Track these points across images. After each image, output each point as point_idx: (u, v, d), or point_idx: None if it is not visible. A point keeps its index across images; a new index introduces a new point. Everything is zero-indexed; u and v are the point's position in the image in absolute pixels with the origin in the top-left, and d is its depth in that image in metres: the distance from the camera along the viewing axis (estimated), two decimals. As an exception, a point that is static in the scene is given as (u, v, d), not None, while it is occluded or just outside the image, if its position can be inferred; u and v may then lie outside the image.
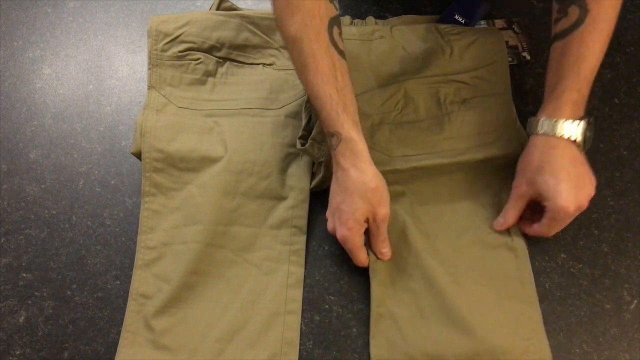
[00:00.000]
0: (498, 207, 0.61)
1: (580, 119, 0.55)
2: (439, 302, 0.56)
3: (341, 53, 0.54)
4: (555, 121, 0.54)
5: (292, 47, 0.53)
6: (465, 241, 0.60)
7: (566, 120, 0.54)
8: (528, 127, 0.58)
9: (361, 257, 0.57)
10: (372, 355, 0.56)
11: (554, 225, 0.56)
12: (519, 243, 0.59)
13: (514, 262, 0.59)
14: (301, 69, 0.53)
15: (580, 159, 0.55)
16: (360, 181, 0.54)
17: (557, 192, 0.54)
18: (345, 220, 0.55)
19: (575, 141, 0.54)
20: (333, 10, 0.53)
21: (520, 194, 0.57)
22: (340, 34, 0.55)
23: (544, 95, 0.58)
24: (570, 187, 0.54)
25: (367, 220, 0.56)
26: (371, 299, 0.57)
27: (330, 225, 0.57)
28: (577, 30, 0.54)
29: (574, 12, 0.55)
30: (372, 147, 0.59)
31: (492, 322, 0.55)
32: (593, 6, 0.54)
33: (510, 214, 0.59)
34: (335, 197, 0.56)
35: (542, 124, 0.55)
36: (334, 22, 0.53)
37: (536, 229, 0.58)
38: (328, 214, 0.58)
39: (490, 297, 0.57)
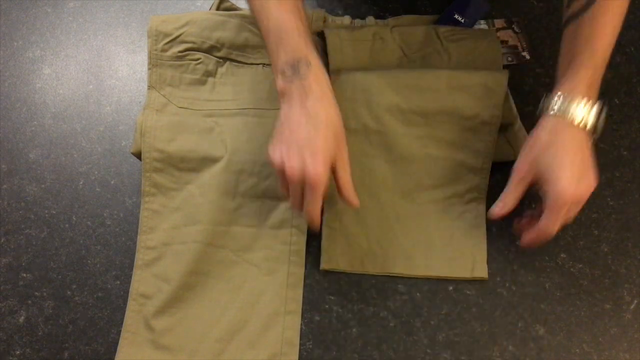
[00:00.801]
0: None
1: (594, 103, 0.53)
2: (379, 215, 0.62)
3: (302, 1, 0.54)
4: (570, 100, 0.52)
5: None
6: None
7: (581, 100, 0.52)
8: (540, 106, 0.55)
9: (319, 205, 0.50)
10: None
11: (553, 216, 0.52)
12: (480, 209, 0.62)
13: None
14: (261, 3, 0.51)
15: (587, 147, 0.53)
16: (334, 112, 0.51)
17: (559, 176, 0.52)
18: (322, 153, 0.48)
19: (585, 127, 0.53)
20: None
21: (522, 175, 0.54)
22: None
23: (557, 77, 0.56)
24: (572, 173, 0.52)
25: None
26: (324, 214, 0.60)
27: (294, 163, 0.48)
28: (589, 10, 0.53)
29: None
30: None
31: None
32: None
33: (510, 197, 0.55)
34: (301, 128, 0.49)
35: (556, 102, 0.53)
36: None
37: (537, 228, 0.54)
38: (283, 149, 0.50)
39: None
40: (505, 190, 0.56)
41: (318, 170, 0.48)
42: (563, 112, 0.53)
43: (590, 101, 0.53)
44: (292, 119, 0.50)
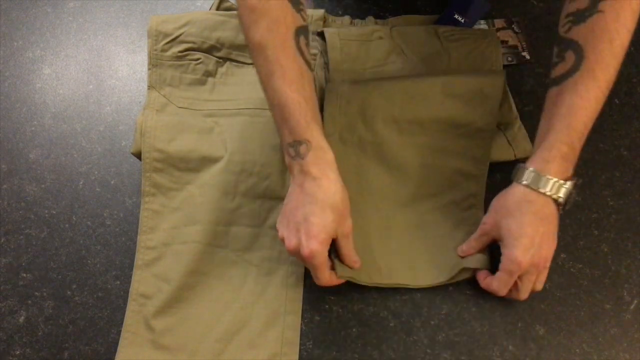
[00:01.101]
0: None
1: (567, 178, 0.52)
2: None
3: (308, 63, 0.53)
4: (542, 176, 0.52)
5: (257, 54, 0.51)
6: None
7: (553, 177, 0.52)
8: (513, 173, 0.55)
9: (327, 274, 0.54)
10: None
11: (505, 278, 0.54)
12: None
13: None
14: (267, 76, 0.51)
15: (552, 218, 0.53)
16: (332, 192, 0.52)
17: (516, 243, 0.53)
18: (317, 233, 0.51)
19: (555, 201, 0.53)
20: (300, 20, 0.52)
21: (485, 231, 0.57)
22: (307, 44, 0.53)
23: (535, 142, 0.55)
24: (530, 244, 0.52)
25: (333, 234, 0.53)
26: None
27: (291, 241, 0.52)
28: (572, 78, 0.51)
29: (570, 57, 0.52)
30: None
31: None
32: (590, 53, 0.50)
33: (472, 244, 0.58)
34: (298, 208, 0.52)
35: (529, 175, 0.53)
36: (301, 31, 0.52)
37: (490, 282, 0.57)
38: (283, 226, 0.54)
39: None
40: (471, 236, 0.59)
41: (312, 249, 0.51)
42: (534, 185, 0.53)
43: (563, 178, 0.52)
44: (292, 198, 0.53)
